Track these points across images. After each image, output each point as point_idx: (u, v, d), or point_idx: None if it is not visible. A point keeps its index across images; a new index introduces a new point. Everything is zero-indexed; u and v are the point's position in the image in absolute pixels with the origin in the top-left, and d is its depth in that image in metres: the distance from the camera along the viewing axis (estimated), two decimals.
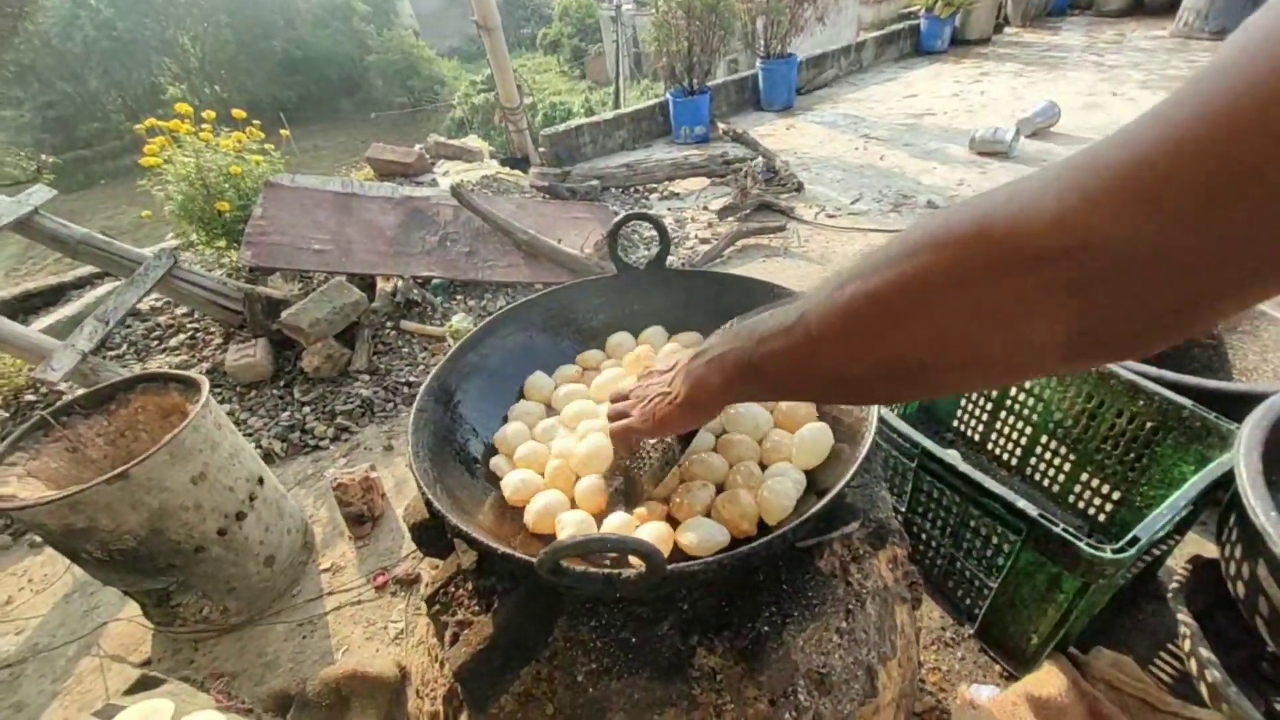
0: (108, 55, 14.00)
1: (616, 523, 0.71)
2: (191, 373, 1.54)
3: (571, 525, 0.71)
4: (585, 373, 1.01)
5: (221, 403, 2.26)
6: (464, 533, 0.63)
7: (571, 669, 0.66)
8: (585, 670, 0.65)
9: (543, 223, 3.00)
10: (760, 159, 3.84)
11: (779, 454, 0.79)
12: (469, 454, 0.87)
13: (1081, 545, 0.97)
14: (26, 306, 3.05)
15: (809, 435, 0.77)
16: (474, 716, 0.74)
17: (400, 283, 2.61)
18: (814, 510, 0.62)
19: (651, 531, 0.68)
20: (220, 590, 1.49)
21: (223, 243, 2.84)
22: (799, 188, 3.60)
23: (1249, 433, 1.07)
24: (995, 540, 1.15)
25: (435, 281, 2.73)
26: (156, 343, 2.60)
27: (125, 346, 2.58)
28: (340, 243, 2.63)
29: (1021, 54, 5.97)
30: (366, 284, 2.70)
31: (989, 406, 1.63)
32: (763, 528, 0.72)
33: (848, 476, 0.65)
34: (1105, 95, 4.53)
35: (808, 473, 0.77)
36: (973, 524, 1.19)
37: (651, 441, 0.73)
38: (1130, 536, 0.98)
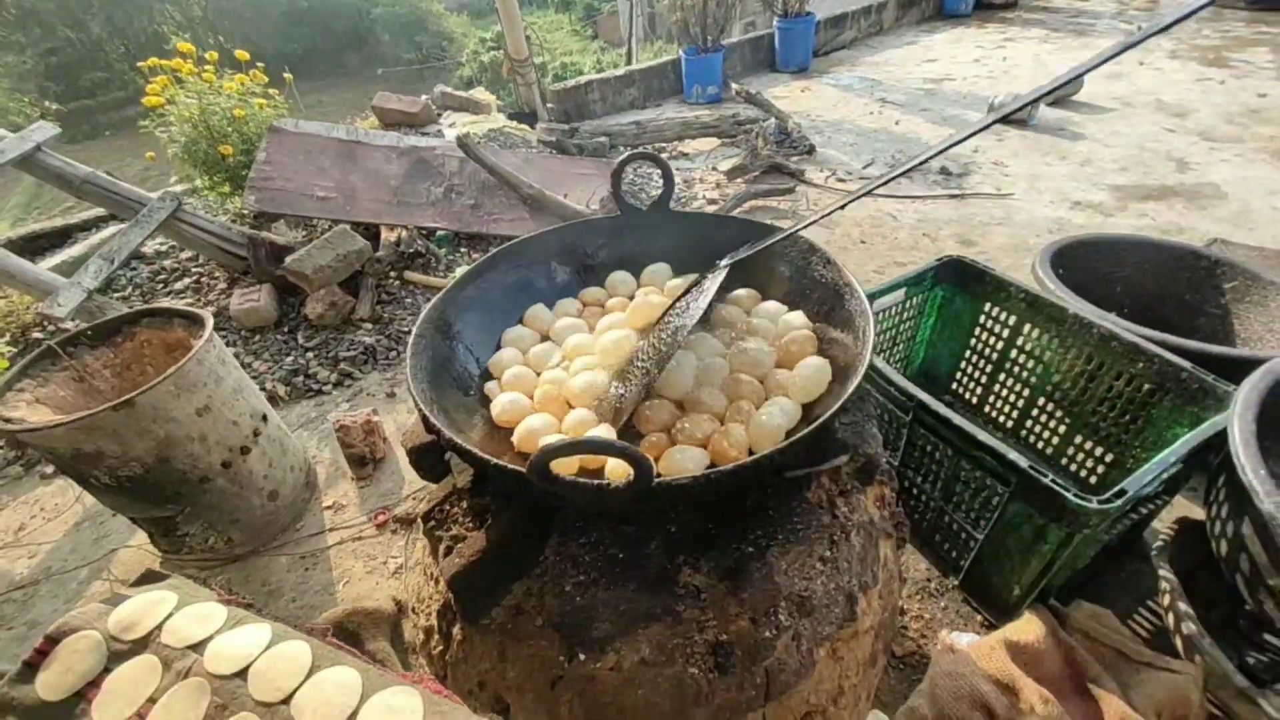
0: (110, 1, 13.66)
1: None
2: (195, 309, 1.55)
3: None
4: (586, 307, 1.02)
5: (227, 345, 2.27)
6: (458, 445, 0.65)
7: (561, 580, 0.68)
8: (574, 581, 0.68)
9: (549, 178, 2.96)
10: (773, 120, 3.76)
11: (780, 390, 0.80)
12: (466, 381, 0.88)
13: (1069, 495, 0.98)
14: (34, 247, 3.05)
15: (807, 370, 0.78)
16: (466, 628, 0.77)
17: (404, 233, 2.60)
18: (800, 435, 0.63)
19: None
20: (225, 521, 1.53)
21: (227, 188, 2.82)
22: (810, 150, 3.53)
23: (1246, 393, 1.07)
24: (984, 493, 1.17)
25: (440, 233, 2.71)
26: (162, 286, 2.61)
27: (130, 289, 2.59)
28: (344, 191, 2.61)
29: (1048, 20, 5.77)
30: (371, 233, 2.69)
31: (988, 369, 1.63)
32: None
33: (835, 407, 0.66)
34: (1131, 64, 4.38)
35: (806, 407, 0.78)
36: (963, 476, 1.21)
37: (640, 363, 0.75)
38: (1117, 489, 0.99)
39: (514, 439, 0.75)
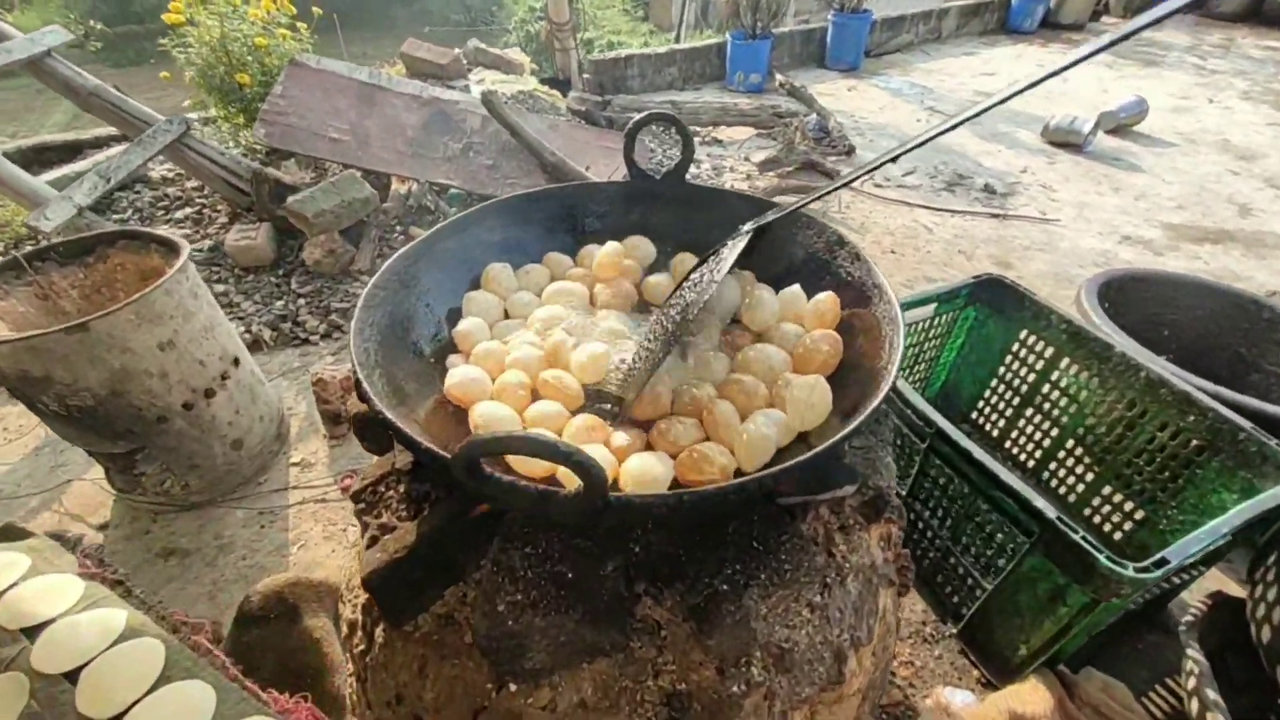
0: None
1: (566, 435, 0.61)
2: (174, 235, 1.45)
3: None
4: (554, 279, 0.90)
5: (216, 282, 2.19)
6: (388, 420, 0.54)
7: (494, 597, 0.57)
8: (509, 600, 0.56)
9: (573, 147, 2.83)
10: (814, 116, 3.59)
11: (782, 401, 0.68)
12: (422, 348, 0.77)
13: (1100, 558, 0.86)
14: (43, 159, 2.98)
15: (801, 391, 0.64)
16: (389, 631, 0.66)
17: (415, 186, 2.49)
18: (799, 460, 0.52)
19: (598, 454, 0.58)
20: (182, 465, 1.44)
21: (241, 119, 2.71)
22: (849, 151, 3.36)
23: None
24: (1000, 539, 1.04)
25: (453, 191, 2.60)
26: (163, 213, 2.53)
27: (131, 212, 2.51)
28: (359, 135, 2.50)
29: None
30: (381, 183, 2.58)
31: (1015, 401, 1.49)
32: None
33: (848, 429, 0.54)
34: (1200, 100, 4.15)
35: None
36: (978, 519, 1.08)
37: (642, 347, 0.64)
38: (1158, 557, 0.87)
39: (472, 422, 0.64)
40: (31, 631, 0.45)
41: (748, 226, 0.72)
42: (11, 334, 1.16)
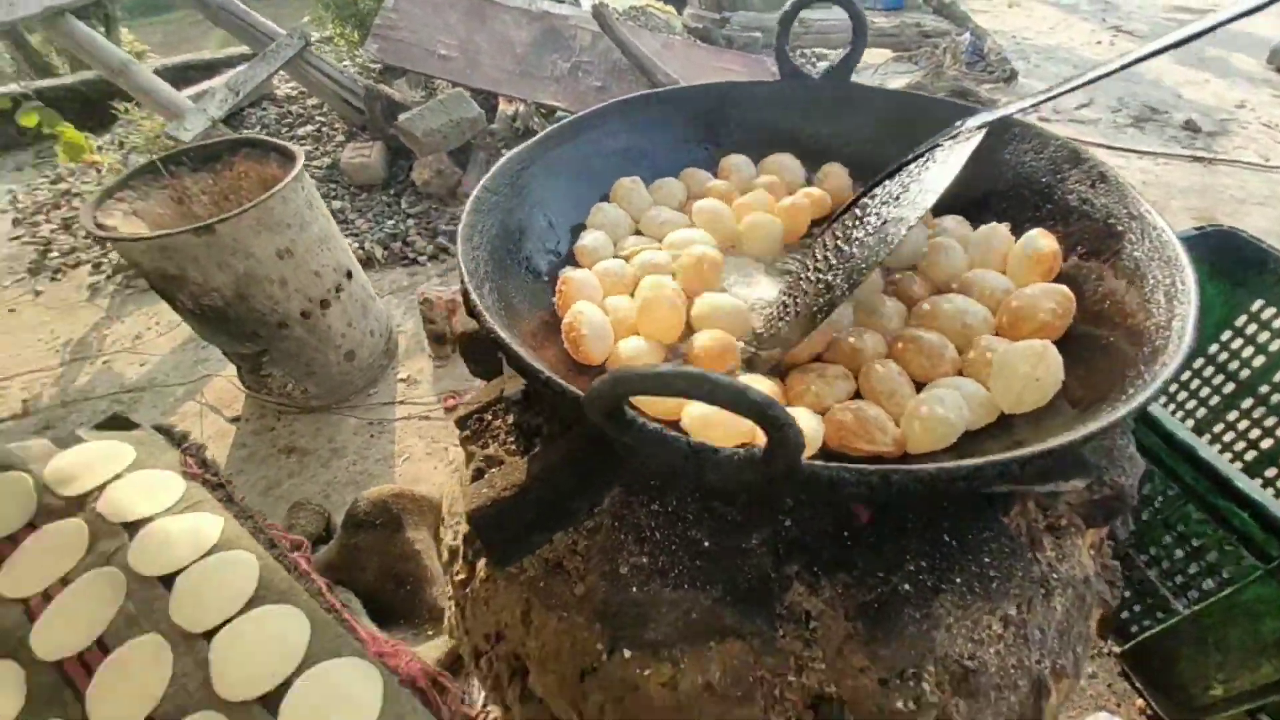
0: None
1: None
2: (290, 144, 1.45)
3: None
4: (690, 199, 0.77)
5: (333, 199, 2.24)
6: (502, 341, 0.44)
7: (615, 556, 0.48)
8: (633, 562, 0.47)
9: (689, 68, 2.60)
10: (967, 35, 3.09)
11: (975, 369, 0.52)
12: (539, 264, 0.67)
13: None
14: (185, 78, 3.16)
15: (1024, 358, 0.46)
16: (492, 569, 0.60)
17: (523, 107, 2.39)
18: (1039, 448, 0.36)
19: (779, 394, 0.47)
20: (301, 371, 1.50)
21: (355, 36, 2.72)
22: (1010, 78, 2.87)
23: None
24: (1215, 557, 0.84)
25: (559, 114, 2.48)
26: (287, 130, 2.61)
27: (259, 128, 2.61)
28: (468, 52, 2.42)
29: None
30: (489, 104, 2.51)
31: (1227, 388, 1.20)
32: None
33: (1128, 408, 0.38)
34: None
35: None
36: (1182, 529, 0.88)
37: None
38: None
39: (570, 338, 0.54)
40: (132, 526, 0.42)
41: (976, 121, 0.54)
42: (147, 231, 1.20)
